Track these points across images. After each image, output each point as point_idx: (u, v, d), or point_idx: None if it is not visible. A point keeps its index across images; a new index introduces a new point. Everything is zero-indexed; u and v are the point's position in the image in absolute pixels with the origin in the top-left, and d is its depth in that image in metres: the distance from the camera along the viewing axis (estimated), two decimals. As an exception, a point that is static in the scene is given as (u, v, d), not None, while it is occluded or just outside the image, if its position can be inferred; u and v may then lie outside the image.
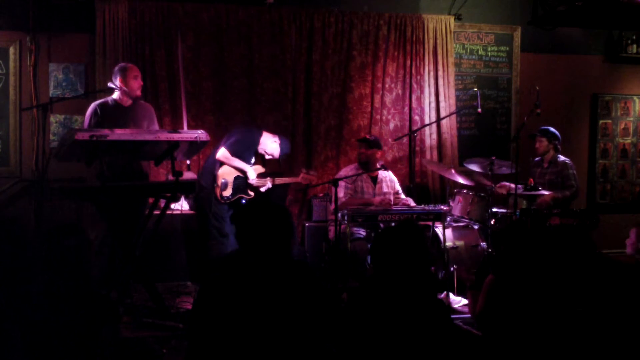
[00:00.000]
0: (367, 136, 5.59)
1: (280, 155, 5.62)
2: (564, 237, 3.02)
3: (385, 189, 5.50)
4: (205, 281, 2.53)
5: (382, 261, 2.55)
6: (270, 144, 5.57)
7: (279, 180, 5.61)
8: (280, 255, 2.53)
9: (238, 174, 5.41)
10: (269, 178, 5.52)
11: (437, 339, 2.42)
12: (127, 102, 4.83)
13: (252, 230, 2.52)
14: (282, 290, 2.45)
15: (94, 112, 4.74)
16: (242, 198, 5.41)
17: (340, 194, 5.41)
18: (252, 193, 5.47)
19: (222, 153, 5.35)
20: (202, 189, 5.39)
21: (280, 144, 5.59)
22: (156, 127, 5.05)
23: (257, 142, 5.54)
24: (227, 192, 5.35)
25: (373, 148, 5.48)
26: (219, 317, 2.38)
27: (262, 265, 2.48)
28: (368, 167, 5.43)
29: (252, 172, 5.44)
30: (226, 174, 5.36)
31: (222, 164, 5.36)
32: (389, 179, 5.58)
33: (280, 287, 2.46)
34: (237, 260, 2.53)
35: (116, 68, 4.89)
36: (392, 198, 5.50)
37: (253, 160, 5.57)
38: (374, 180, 5.49)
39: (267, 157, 5.63)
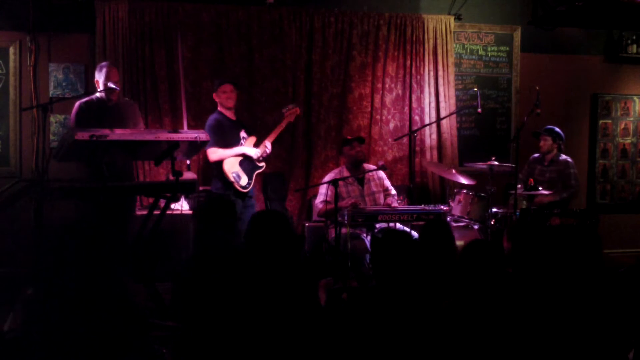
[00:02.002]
0: (349, 137, 5.50)
1: (232, 95, 5.34)
2: (565, 237, 3.01)
3: (374, 189, 5.47)
4: (203, 282, 2.53)
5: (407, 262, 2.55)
6: (222, 102, 5.34)
7: (272, 136, 5.46)
8: (286, 261, 2.54)
9: (240, 158, 5.32)
10: (264, 142, 5.39)
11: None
12: (111, 101, 4.84)
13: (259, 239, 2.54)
14: (278, 289, 2.46)
15: (79, 109, 4.76)
16: (258, 174, 5.41)
17: (318, 200, 5.39)
18: (261, 164, 5.41)
19: (210, 154, 5.24)
20: (212, 194, 5.39)
21: (219, 84, 5.35)
22: (142, 126, 5.06)
23: (223, 119, 5.32)
24: (244, 181, 5.27)
25: (363, 143, 5.47)
26: (214, 316, 2.39)
27: (263, 267, 2.49)
28: (359, 166, 5.40)
29: (249, 149, 5.31)
30: (231, 167, 5.25)
31: (221, 162, 5.31)
32: (377, 177, 5.52)
33: (277, 286, 2.47)
34: (235, 262, 2.54)
35: (99, 65, 4.91)
36: (382, 196, 5.47)
37: (242, 134, 5.40)
38: (361, 181, 5.46)
39: (227, 107, 5.33)
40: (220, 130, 5.28)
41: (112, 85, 4.75)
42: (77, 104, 4.81)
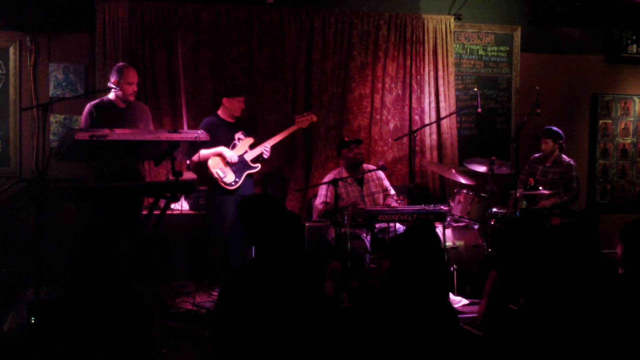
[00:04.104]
0: (347, 139, 5.49)
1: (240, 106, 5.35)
2: (566, 235, 3.01)
3: (373, 189, 5.46)
4: (226, 285, 2.55)
5: (400, 262, 2.56)
6: (233, 110, 5.33)
7: (276, 139, 5.43)
8: (293, 256, 2.55)
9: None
10: (262, 144, 5.36)
11: (444, 340, 2.43)
12: (123, 103, 4.82)
13: (265, 235, 2.56)
14: (296, 289, 2.48)
15: (90, 112, 4.75)
16: (249, 175, 5.32)
17: (318, 201, 5.39)
18: (256, 165, 5.34)
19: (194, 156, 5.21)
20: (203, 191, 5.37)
21: (236, 93, 5.33)
22: (152, 128, 5.04)
23: (216, 122, 5.29)
24: (229, 178, 5.23)
25: (361, 144, 5.46)
26: (240, 320, 2.40)
27: (277, 268, 2.50)
28: (358, 168, 5.40)
29: (226, 150, 5.24)
30: (216, 164, 5.22)
31: (206, 161, 5.27)
32: (376, 178, 5.51)
33: (294, 286, 2.49)
34: (255, 265, 2.56)
35: (115, 67, 4.89)
36: (381, 197, 5.46)
37: (238, 136, 5.36)
38: (360, 182, 5.45)
39: (234, 115, 5.34)
40: (216, 128, 5.26)
41: (111, 85, 4.74)
42: (87, 106, 4.79)
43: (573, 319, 2.67)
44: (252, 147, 5.39)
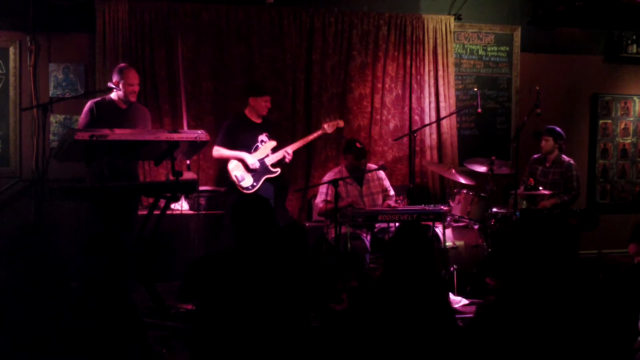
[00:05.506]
0: (358, 144, 5.38)
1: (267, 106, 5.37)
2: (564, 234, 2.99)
3: (373, 190, 5.45)
4: (203, 279, 2.56)
5: (392, 261, 2.57)
6: (259, 110, 5.35)
7: (299, 144, 5.51)
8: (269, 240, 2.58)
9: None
10: (285, 149, 5.38)
11: (441, 338, 2.44)
12: (124, 104, 4.82)
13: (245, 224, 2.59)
14: (274, 263, 2.50)
15: (90, 110, 4.74)
16: (268, 179, 5.32)
17: (319, 199, 5.39)
18: (276, 169, 5.36)
19: (213, 150, 5.29)
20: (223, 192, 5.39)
21: (261, 93, 5.36)
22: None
23: (243, 121, 5.31)
24: (247, 182, 5.23)
25: (365, 157, 5.43)
26: (218, 309, 2.41)
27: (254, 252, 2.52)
28: (356, 172, 5.40)
29: (248, 157, 5.25)
30: (236, 167, 5.24)
31: (227, 161, 5.29)
32: (377, 178, 5.49)
33: (272, 261, 2.51)
34: (229, 255, 2.58)
35: (116, 67, 4.89)
36: (381, 197, 5.46)
37: (262, 138, 5.37)
38: (360, 181, 5.45)
39: (261, 114, 5.36)
40: (231, 132, 5.27)
41: (111, 86, 4.74)
42: (88, 103, 4.78)
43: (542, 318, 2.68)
44: (274, 150, 5.40)
